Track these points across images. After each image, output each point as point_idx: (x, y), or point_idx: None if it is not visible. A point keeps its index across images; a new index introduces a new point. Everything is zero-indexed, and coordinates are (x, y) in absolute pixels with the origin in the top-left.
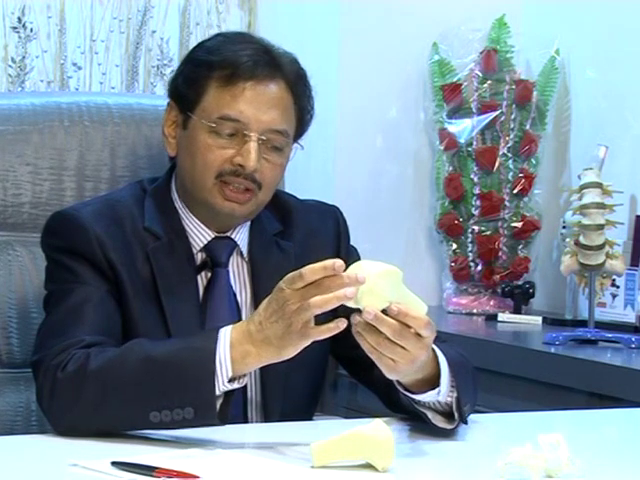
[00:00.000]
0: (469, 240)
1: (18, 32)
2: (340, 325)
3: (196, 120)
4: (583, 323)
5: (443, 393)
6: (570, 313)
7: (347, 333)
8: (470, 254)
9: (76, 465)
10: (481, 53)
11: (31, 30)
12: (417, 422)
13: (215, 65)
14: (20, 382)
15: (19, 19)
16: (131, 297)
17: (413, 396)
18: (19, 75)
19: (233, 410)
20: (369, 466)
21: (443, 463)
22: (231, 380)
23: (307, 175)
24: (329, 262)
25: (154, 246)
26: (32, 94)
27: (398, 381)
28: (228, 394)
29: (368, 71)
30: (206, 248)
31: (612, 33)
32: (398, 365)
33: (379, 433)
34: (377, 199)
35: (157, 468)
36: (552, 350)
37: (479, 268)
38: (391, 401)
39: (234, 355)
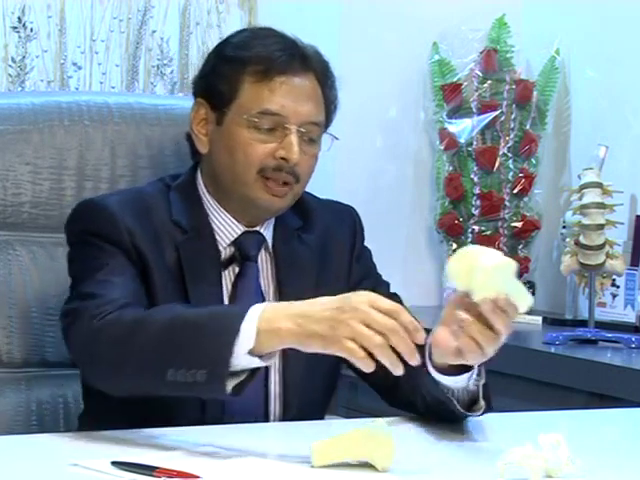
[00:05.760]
0: (469, 240)
1: (18, 32)
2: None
3: (233, 116)
4: (583, 323)
5: (473, 378)
6: (570, 313)
7: None
8: None
9: (76, 465)
10: (481, 53)
11: (31, 30)
12: (417, 422)
13: (248, 60)
14: (20, 382)
15: (19, 19)
16: (158, 287)
17: (450, 378)
18: (19, 75)
19: (254, 402)
20: (369, 466)
21: (443, 463)
22: (253, 355)
23: None
24: (420, 330)
25: (183, 239)
26: (32, 93)
27: (435, 366)
28: (253, 373)
29: (368, 71)
30: (235, 242)
31: (612, 33)
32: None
33: (379, 433)
34: (377, 199)
35: (157, 468)
36: (552, 350)
37: None
38: (393, 397)
39: (260, 327)
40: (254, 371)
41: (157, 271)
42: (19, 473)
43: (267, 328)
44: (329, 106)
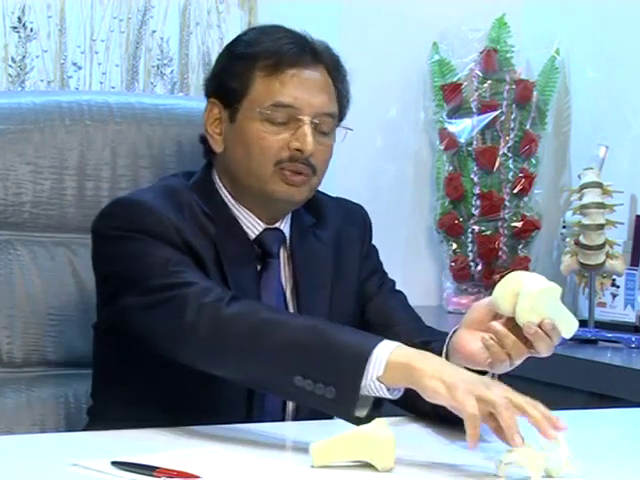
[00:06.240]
0: (469, 240)
1: (18, 32)
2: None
3: (245, 111)
4: (583, 323)
5: None
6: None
7: (363, 322)
8: (470, 254)
9: (76, 465)
10: (481, 53)
11: (31, 30)
12: (418, 422)
13: (258, 56)
14: (20, 382)
15: (19, 19)
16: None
17: None
18: (19, 75)
19: (274, 403)
20: (369, 466)
21: (443, 463)
22: (381, 383)
23: None
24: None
25: (216, 233)
26: (33, 93)
27: None
28: (379, 403)
29: (368, 71)
30: (257, 239)
31: (612, 33)
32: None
33: (379, 433)
34: (377, 199)
35: (157, 468)
36: None
37: (479, 268)
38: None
39: (392, 358)
40: (377, 403)
41: (208, 264)
42: (19, 473)
43: (399, 361)
44: (342, 100)
